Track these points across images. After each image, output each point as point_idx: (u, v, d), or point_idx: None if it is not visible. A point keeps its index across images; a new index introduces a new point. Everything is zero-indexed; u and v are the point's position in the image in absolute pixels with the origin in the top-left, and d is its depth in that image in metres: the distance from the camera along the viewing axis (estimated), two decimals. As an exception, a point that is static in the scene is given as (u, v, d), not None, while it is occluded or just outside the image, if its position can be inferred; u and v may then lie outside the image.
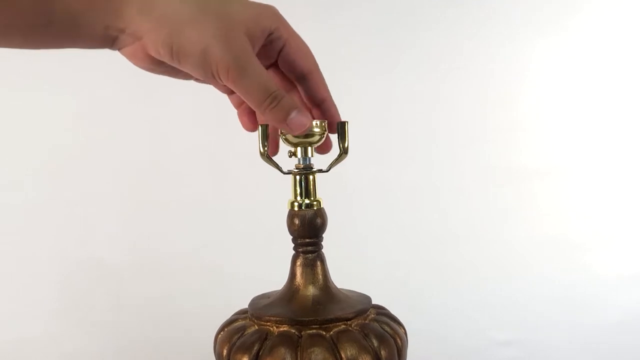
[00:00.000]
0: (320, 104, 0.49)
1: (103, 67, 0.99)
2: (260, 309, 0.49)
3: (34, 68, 0.96)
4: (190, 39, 0.41)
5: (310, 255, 0.50)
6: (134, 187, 1.00)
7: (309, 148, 0.50)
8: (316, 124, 0.48)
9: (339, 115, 0.50)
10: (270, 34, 0.45)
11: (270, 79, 0.44)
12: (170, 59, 0.42)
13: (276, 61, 0.48)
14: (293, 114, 0.44)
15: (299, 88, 0.50)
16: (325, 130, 0.49)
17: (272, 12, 0.45)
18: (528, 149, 1.09)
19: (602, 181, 1.08)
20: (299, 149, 0.50)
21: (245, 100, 0.44)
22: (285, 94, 0.44)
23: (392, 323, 0.50)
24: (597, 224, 1.07)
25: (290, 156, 0.50)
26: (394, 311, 0.53)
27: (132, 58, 0.44)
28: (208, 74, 0.43)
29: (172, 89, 0.96)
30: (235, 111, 0.52)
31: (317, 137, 0.49)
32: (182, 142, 1.02)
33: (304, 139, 0.49)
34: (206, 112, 0.97)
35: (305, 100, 0.50)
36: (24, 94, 1.00)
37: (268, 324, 0.48)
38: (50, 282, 0.98)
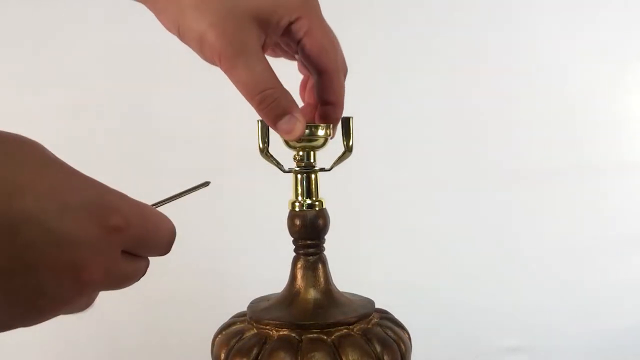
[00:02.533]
0: (324, 105, 0.48)
1: (96, 58, 0.98)
2: (259, 312, 0.48)
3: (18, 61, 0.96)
4: (191, 25, 0.42)
5: (311, 257, 0.49)
6: (129, 185, 0.99)
7: (312, 152, 0.49)
8: (321, 127, 0.47)
9: (337, 121, 0.48)
10: (291, 23, 0.44)
11: (268, 73, 0.43)
12: (180, 38, 0.44)
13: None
14: (285, 119, 0.43)
15: (314, 82, 0.48)
16: (330, 135, 0.48)
17: (299, 1, 0.44)
18: (531, 149, 1.07)
19: (612, 183, 1.07)
20: (300, 152, 0.48)
21: (239, 91, 0.43)
22: (281, 94, 0.43)
23: (395, 328, 0.49)
24: (609, 227, 1.06)
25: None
26: (397, 315, 0.52)
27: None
28: (208, 60, 0.43)
29: (166, 82, 0.96)
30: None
31: (321, 141, 0.48)
32: (177, 137, 1.01)
33: (307, 143, 0.47)
34: (203, 106, 0.97)
35: (315, 95, 0.48)
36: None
37: (267, 327, 0.47)
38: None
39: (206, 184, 0.45)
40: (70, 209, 0.29)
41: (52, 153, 0.30)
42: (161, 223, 0.34)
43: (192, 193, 0.44)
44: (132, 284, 0.33)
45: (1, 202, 0.26)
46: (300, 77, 0.52)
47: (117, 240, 0.31)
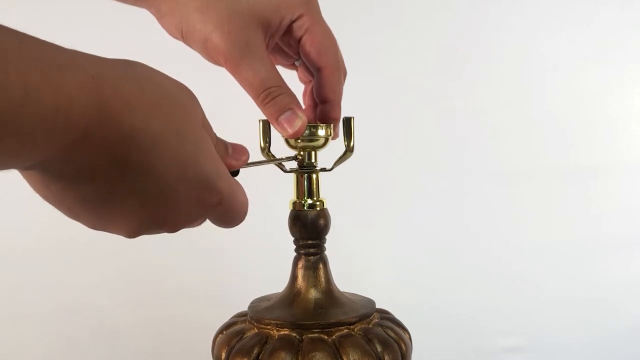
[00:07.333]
0: (322, 104, 0.48)
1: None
2: (260, 311, 0.48)
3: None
4: (195, 27, 0.42)
5: (312, 257, 0.49)
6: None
7: (313, 152, 0.48)
8: (320, 127, 0.47)
9: (336, 121, 0.49)
10: (293, 22, 0.45)
11: (272, 72, 0.43)
12: (183, 41, 0.44)
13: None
14: (286, 114, 0.43)
15: (313, 81, 0.48)
16: (331, 135, 0.48)
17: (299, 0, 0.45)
18: (531, 150, 1.07)
19: (612, 183, 1.07)
20: (302, 153, 0.48)
21: (245, 90, 0.44)
22: (285, 92, 0.43)
23: (396, 328, 0.49)
24: (608, 227, 1.06)
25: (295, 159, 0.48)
26: (398, 315, 0.52)
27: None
28: (212, 61, 0.44)
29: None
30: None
31: (321, 142, 0.48)
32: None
33: (308, 143, 0.47)
34: (203, 105, 0.96)
35: (314, 94, 0.49)
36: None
37: (268, 327, 0.47)
38: (44, 285, 0.97)
39: (295, 157, 0.48)
40: (186, 179, 0.34)
41: (202, 121, 0.38)
42: (243, 205, 0.39)
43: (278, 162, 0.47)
44: None
45: (140, 154, 0.31)
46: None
47: (207, 212, 0.37)
